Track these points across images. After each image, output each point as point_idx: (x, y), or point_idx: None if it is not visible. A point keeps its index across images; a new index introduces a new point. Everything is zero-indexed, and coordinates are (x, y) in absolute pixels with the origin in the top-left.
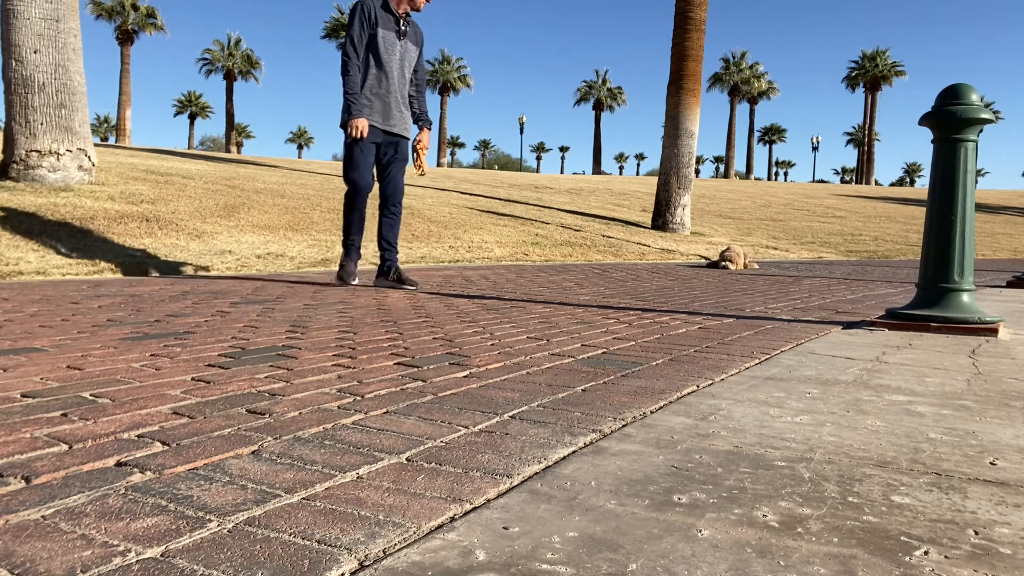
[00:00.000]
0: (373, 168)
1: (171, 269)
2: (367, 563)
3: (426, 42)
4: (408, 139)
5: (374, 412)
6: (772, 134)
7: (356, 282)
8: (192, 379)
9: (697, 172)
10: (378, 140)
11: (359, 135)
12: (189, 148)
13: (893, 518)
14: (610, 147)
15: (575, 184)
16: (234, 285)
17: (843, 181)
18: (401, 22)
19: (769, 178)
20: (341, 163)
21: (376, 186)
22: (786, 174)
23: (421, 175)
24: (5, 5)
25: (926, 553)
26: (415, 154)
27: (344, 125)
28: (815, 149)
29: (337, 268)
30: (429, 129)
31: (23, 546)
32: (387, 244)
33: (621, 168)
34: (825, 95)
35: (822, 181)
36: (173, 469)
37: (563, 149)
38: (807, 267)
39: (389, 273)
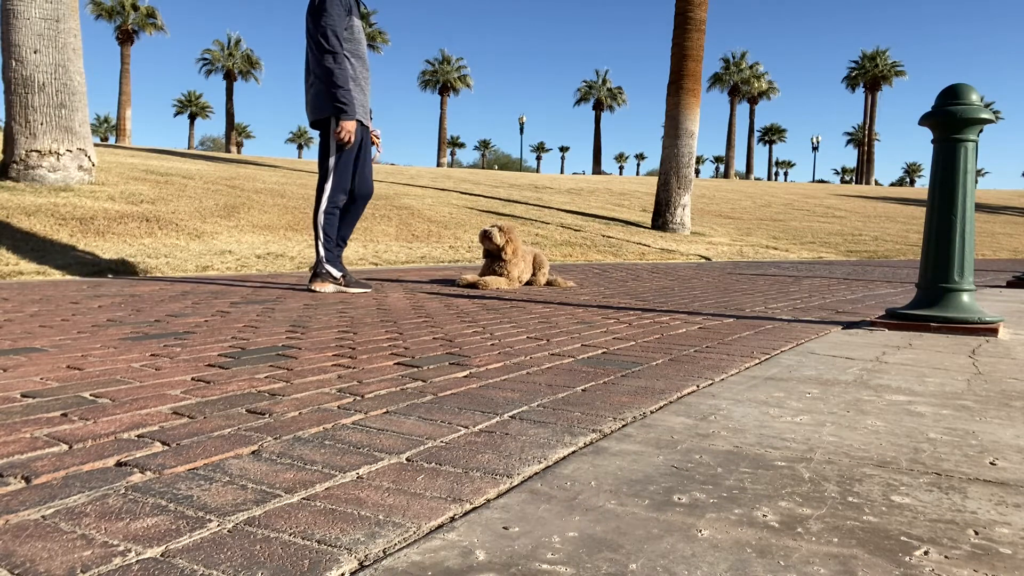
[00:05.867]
0: None
1: (171, 269)
2: (367, 563)
3: (426, 41)
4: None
5: (374, 412)
6: (772, 134)
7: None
8: (192, 379)
9: (697, 172)
10: (359, 135)
11: (349, 140)
12: (189, 148)
13: (893, 518)
14: (610, 147)
15: (575, 184)
16: (234, 285)
17: (843, 181)
18: (360, 5)
19: (769, 178)
20: (330, 163)
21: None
22: (786, 174)
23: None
24: (5, 5)
25: (926, 553)
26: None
27: (332, 122)
28: (815, 149)
29: (341, 281)
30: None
31: (23, 546)
32: (342, 242)
33: (621, 168)
34: (825, 95)
35: (822, 181)
36: (173, 469)
37: (563, 149)
38: (807, 267)
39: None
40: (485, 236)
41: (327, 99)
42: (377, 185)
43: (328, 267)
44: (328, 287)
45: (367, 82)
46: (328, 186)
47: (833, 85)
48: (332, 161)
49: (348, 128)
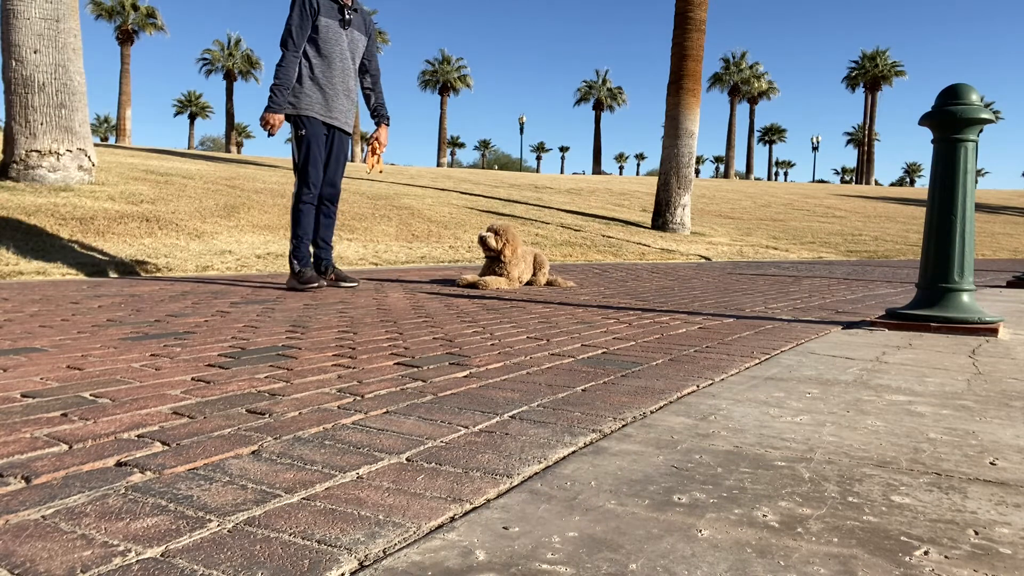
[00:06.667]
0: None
1: (171, 269)
2: (367, 563)
3: (426, 41)
4: (350, 134)
5: (374, 412)
6: (772, 134)
7: (324, 283)
8: (192, 379)
9: (697, 172)
10: (323, 132)
11: (268, 130)
12: (189, 148)
13: (893, 518)
14: (610, 147)
15: (575, 184)
16: (234, 285)
17: (843, 181)
18: (346, 10)
19: (769, 178)
20: (298, 156)
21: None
22: (786, 174)
23: (380, 172)
24: (5, 5)
25: (926, 553)
26: (371, 152)
27: (298, 109)
28: (815, 149)
29: (293, 275)
30: (387, 125)
31: (23, 546)
32: (323, 243)
33: (621, 168)
34: (825, 95)
35: (822, 181)
36: (173, 469)
37: (563, 149)
38: (807, 267)
39: (327, 272)
40: (482, 242)
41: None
42: (377, 185)
43: (292, 259)
44: (292, 281)
45: (338, 82)
46: (296, 181)
47: (833, 85)
48: (293, 157)
49: (267, 119)
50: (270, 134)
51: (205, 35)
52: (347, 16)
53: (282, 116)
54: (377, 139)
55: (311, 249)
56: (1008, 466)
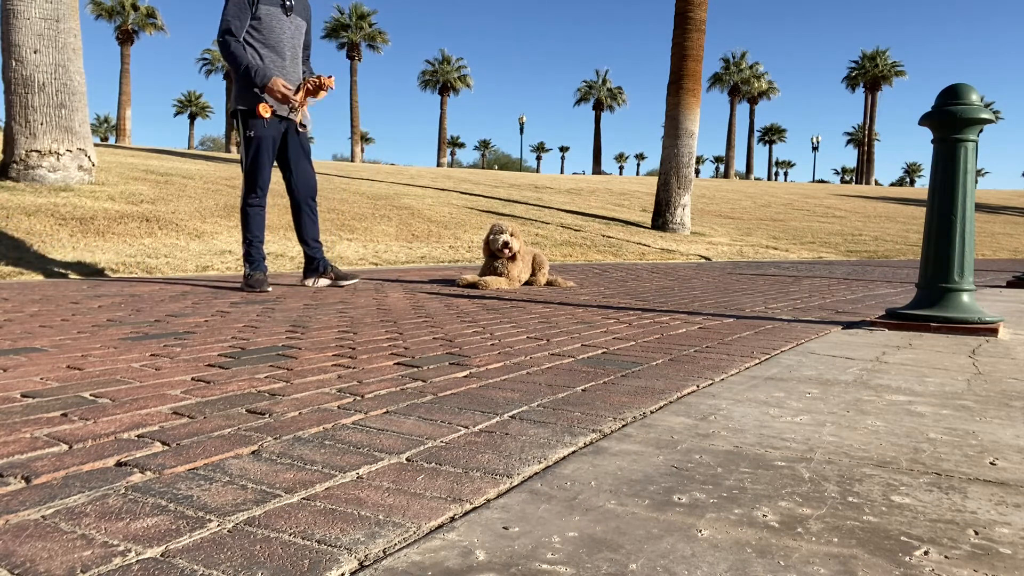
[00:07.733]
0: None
1: (171, 269)
2: (367, 563)
3: (426, 41)
4: (307, 126)
5: (374, 412)
6: (772, 134)
7: (271, 289)
8: (192, 379)
9: (697, 172)
10: (276, 130)
11: (295, 98)
12: (189, 148)
13: (893, 518)
14: (610, 147)
15: (575, 184)
16: (234, 285)
17: (843, 181)
18: None
19: (769, 178)
20: (246, 159)
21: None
22: (786, 174)
23: (298, 120)
24: (5, 5)
25: (926, 553)
26: (303, 89)
27: (252, 106)
28: (815, 149)
29: (244, 277)
30: (320, 78)
31: (23, 546)
32: (313, 242)
33: (621, 168)
34: (825, 95)
35: (822, 181)
36: (173, 469)
37: (563, 149)
38: (807, 267)
39: (326, 271)
40: (505, 246)
41: (238, 91)
42: (377, 185)
43: (244, 263)
44: (243, 283)
45: (290, 74)
46: (243, 184)
47: (833, 85)
48: (242, 157)
49: (279, 97)
50: (293, 102)
51: (205, 35)
52: (288, 2)
53: (279, 79)
54: (312, 80)
55: (307, 252)
56: (1008, 466)
